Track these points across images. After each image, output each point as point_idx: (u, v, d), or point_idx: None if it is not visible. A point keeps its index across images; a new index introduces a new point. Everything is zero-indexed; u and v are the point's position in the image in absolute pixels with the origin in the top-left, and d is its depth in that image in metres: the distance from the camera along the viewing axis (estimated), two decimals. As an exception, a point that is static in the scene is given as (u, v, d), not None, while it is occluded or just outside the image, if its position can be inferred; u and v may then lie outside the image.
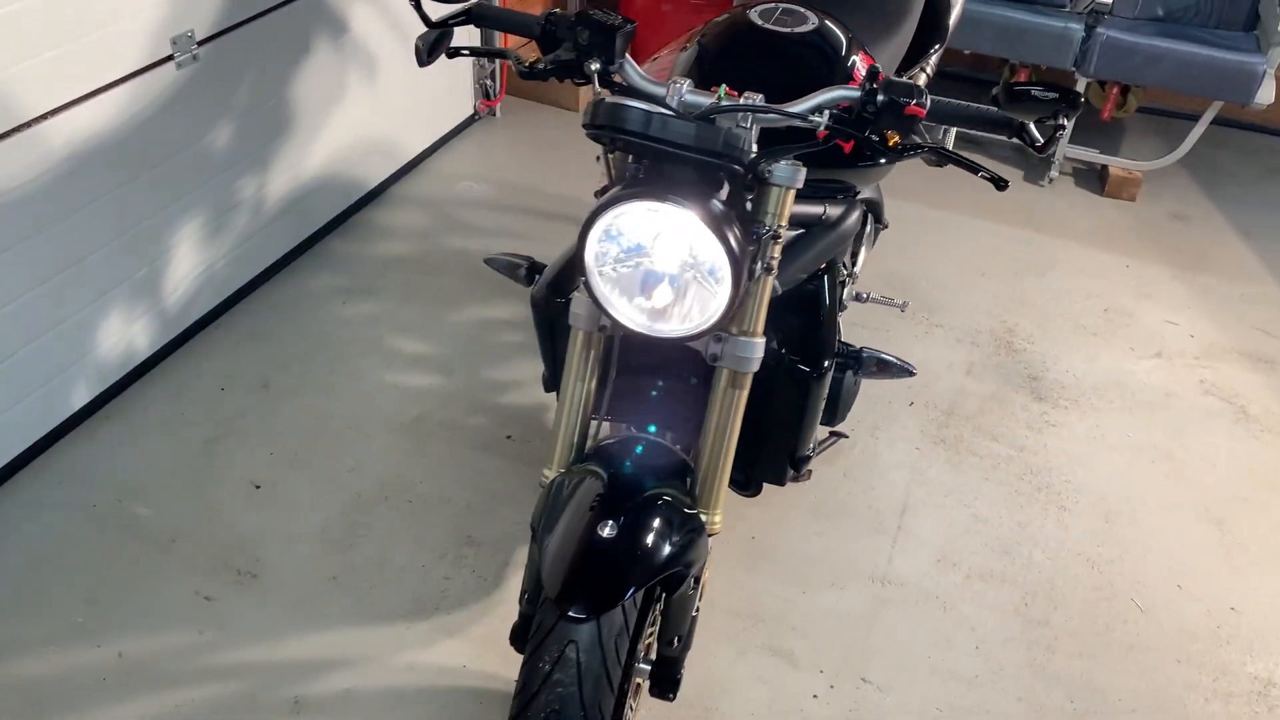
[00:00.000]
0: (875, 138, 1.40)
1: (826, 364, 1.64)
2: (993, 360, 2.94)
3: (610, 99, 1.34)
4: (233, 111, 2.69)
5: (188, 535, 2.25)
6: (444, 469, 2.45)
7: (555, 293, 1.72)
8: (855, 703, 2.02)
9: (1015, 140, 1.41)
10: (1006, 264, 3.39)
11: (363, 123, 3.25)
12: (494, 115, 4.01)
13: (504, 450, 2.52)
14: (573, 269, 1.73)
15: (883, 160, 1.70)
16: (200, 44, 2.51)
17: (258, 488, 2.37)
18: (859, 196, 1.89)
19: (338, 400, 2.62)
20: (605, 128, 1.34)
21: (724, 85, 1.45)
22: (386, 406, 2.62)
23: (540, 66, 1.51)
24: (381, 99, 3.30)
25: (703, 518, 1.53)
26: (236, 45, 2.63)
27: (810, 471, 1.92)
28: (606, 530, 1.41)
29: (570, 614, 1.36)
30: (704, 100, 1.44)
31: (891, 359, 1.75)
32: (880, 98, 1.41)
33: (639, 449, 1.59)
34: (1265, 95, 3.43)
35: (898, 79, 1.43)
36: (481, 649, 2.06)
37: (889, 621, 2.19)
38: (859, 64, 1.75)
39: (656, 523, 1.45)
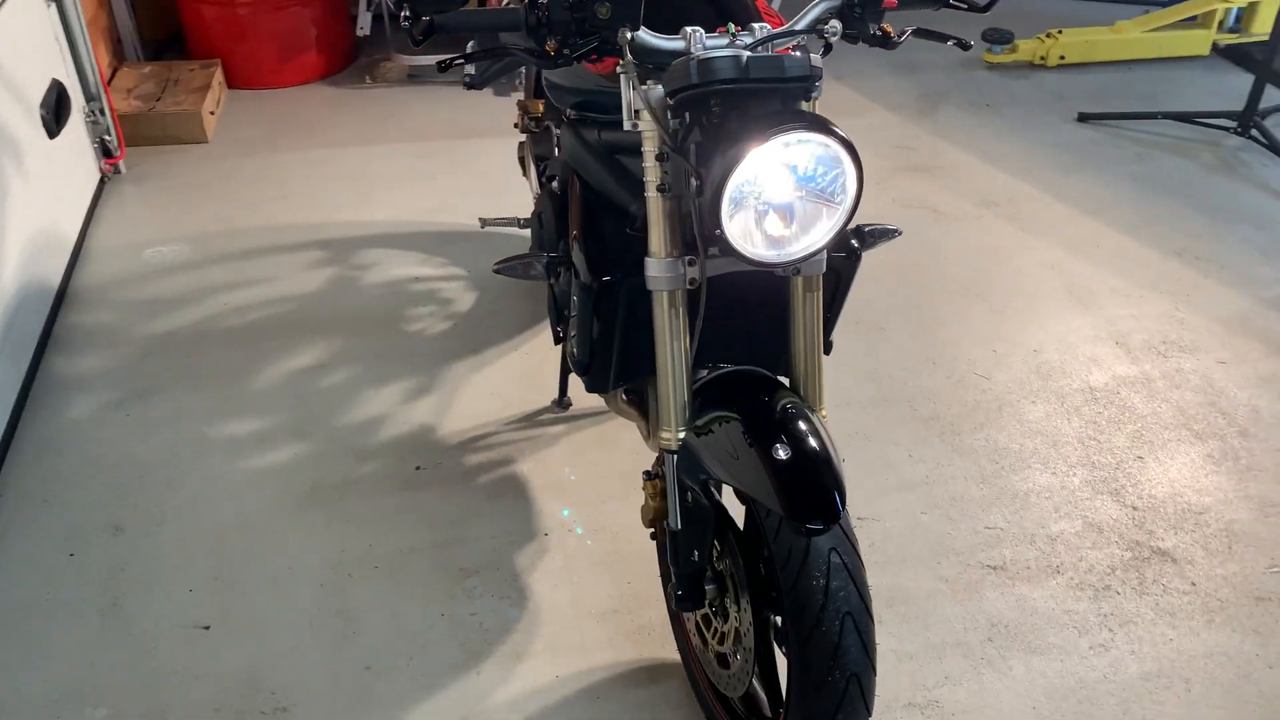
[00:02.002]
0: (878, 33, 1.59)
1: (855, 243, 1.82)
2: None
3: (699, 56, 1.39)
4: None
5: (175, 710, 1.92)
6: (380, 523, 2.29)
7: (604, 271, 1.71)
8: (870, 537, 2.29)
9: (954, 6, 1.68)
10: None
11: (20, 215, 2.75)
12: (120, 172, 3.54)
13: (423, 481, 2.40)
14: (604, 242, 1.72)
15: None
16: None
17: (207, 628, 2.06)
18: None
19: (211, 511, 2.32)
20: (705, 84, 1.39)
21: (731, 24, 1.56)
22: (267, 495, 2.36)
23: (567, 53, 1.49)
24: (30, 186, 2.81)
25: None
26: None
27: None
28: (782, 453, 1.50)
29: (812, 526, 1.45)
30: (720, 42, 1.53)
31: (882, 226, 1.96)
32: (858, -2, 1.60)
33: (737, 379, 1.68)
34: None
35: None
36: (558, 655, 2.03)
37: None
38: None
39: (805, 426, 1.56)
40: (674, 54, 1.52)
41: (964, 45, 1.68)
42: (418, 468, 2.44)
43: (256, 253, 3.18)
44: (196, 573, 2.18)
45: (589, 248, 1.73)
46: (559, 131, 2.05)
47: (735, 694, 1.72)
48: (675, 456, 1.63)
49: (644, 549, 2.23)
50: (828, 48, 1.60)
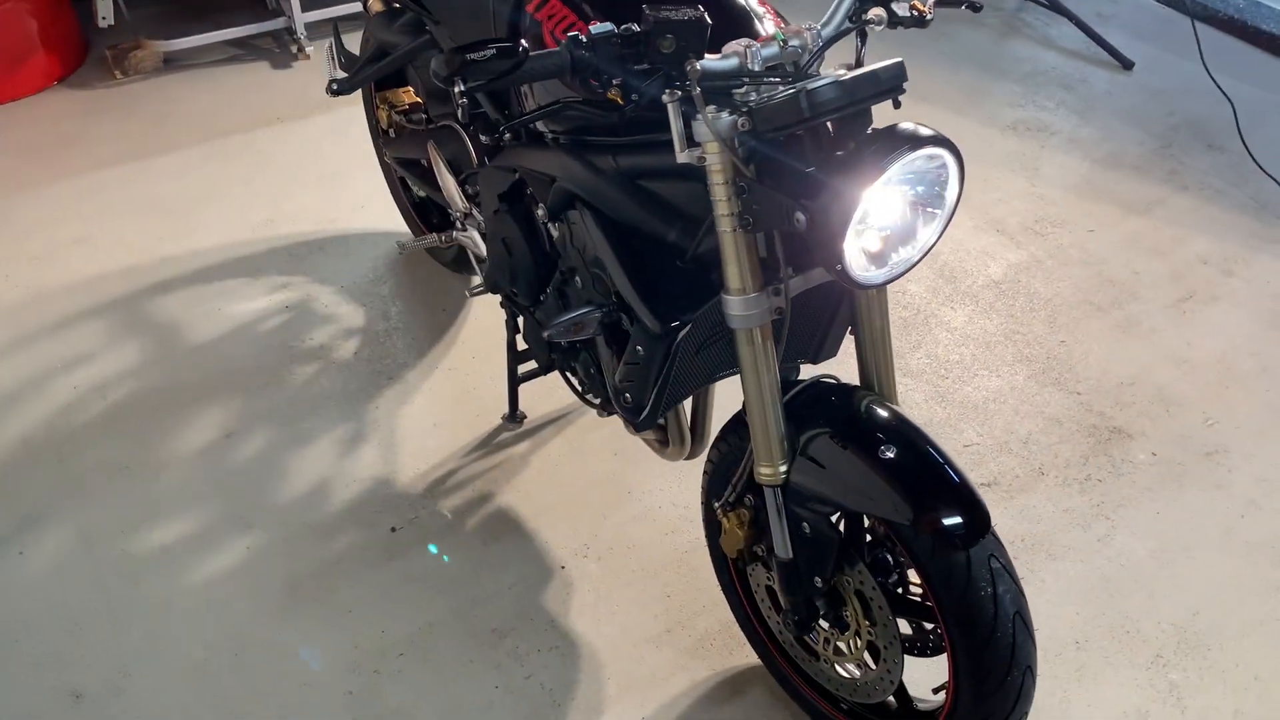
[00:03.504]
0: (914, 13, 1.51)
1: None
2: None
3: (805, 88, 1.26)
4: None
5: None
6: (382, 604, 2.07)
7: (670, 315, 1.56)
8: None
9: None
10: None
11: None
12: None
13: (405, 543, 2.18)
14: (657, 281, 1.57)
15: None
16: None
17: (246, 783, 1.82)
18: None
19: (179, 645, 2.00)
20: (813, 117, 1.27)
21: (778, 29, 1.43)
22: (238, 607, 2.07)
23: (636, 99, 1.31)
24: None
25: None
26: None
27: None
28: (891, 453, 1.47)
29: (957, 535, 1.43)
30: (772, 50, 1.40)
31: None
32: (885, -24, 1.51)
33: (809, 391, 1.61)
34: None
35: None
36: (634, 694, 1.94)
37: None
38: None
39: (900, 423, 1.54)
40: (730, 74, 1.38)
41: (975, 7, 1.63)
42: (393, 529, 2.21)
43: (83, 316, 2.71)
44: (200, 724, 1.90)
45: (646, 292, 1.58)
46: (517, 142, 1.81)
47: (872, 699, 1.70)
48: (779, 490, 1.56)
49: (665, 557, 2.15)
50: (862, 37, 1.51)
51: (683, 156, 1.41)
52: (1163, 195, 3.18)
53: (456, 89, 1.22)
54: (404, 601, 2.08)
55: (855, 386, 1.65)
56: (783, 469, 1.55)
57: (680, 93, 1.36)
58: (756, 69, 1.37)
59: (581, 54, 1.30)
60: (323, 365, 2.59)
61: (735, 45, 1.38)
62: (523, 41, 1.24)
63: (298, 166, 3.25)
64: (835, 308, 1.72)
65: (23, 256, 2.91)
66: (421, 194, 2.58)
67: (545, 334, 1.66)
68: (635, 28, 1.30)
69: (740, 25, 1.57)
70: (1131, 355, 2.64)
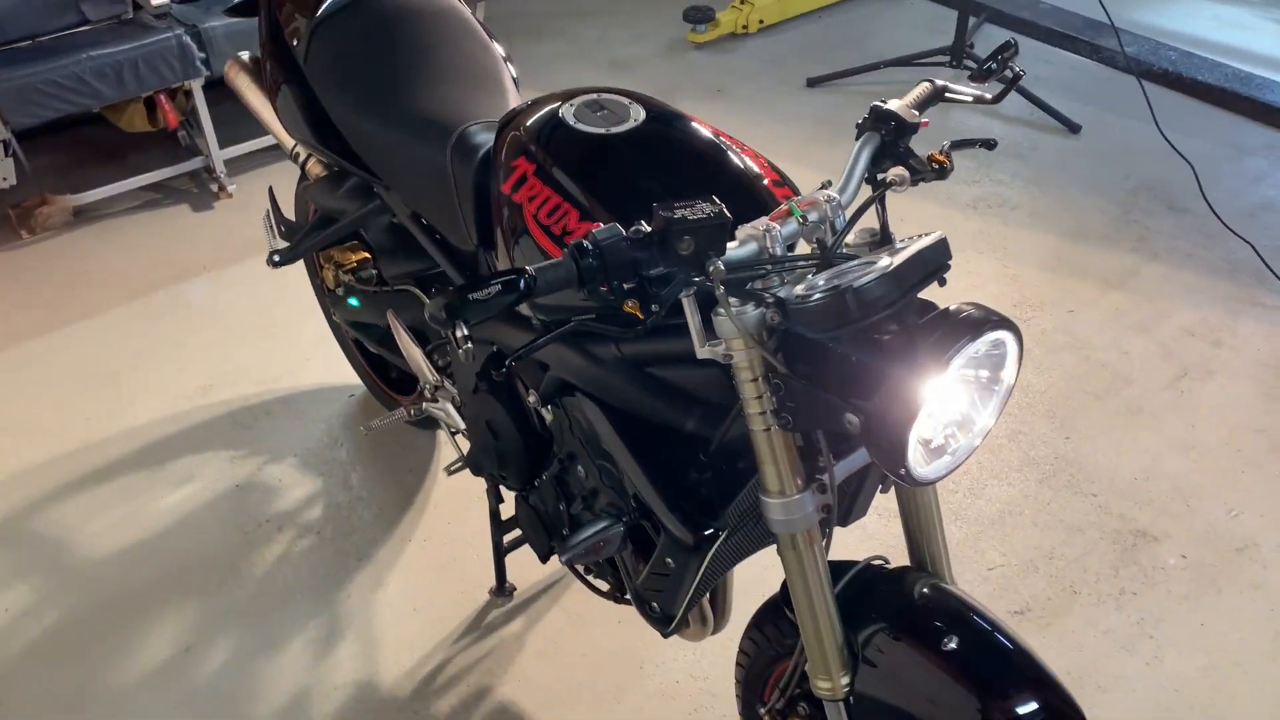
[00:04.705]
0: (935, 166, 1.38)
1: None
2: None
3: (852, 286, 1.10)
4: None
5: None
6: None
7: (700, 523, 1.38)
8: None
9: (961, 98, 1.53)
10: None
11: None
12: None
13: (400, 758, 1.96)
14: (680, 482, 1.40)
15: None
16: None
17: None
18: None
19: None
20: (863, 317, 1.11)
21: (791, 201, 1.27)
22: None
23: (656, 309, 1.14)
24: None
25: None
26: None
27: None
28: (952, 644, 1.31)
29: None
30: (791, 228, 1.26)
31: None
32: (894, 127, 1.39)
33: (857, 582, 1.44)
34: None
35: (884, 107, 1.43)
36: None
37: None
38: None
39: (961, 607, 1.39)
40: (752, 263, 1.22)
41: (989, 145, 1.51)
42: (389, 740, 1.98)
43: (5, 524, 2.43)
44: None
45: (670, 495, 1.40)
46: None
47: None
48: (843, 704, 1.38)
49: (692, 739, 1.96)
50: (882, 199, 1.37)
51: (703, 353, 1.24)
52: (1135, 265, 3.11)
53: (459, 333, 1.04)
54: (408, 833, 1.85)
55: (907, 568, 1.48)
56: (844, 682, 1.37)
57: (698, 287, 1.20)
58: (778, 251, 1.22)
59: (589, 263, 1.12)
60: (283, 550, 2.35)
61: (751, 229, 1.23)
62: (527, 270, 1.07)
63: (233, 320, 3.02)
64: (865, 469, 1.56)
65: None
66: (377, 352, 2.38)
67: (562, 559, 1.47)
68: (644, 227, 1.14)
69: (749, 202, 1.41)
70: (1139, 446, 2.53)
